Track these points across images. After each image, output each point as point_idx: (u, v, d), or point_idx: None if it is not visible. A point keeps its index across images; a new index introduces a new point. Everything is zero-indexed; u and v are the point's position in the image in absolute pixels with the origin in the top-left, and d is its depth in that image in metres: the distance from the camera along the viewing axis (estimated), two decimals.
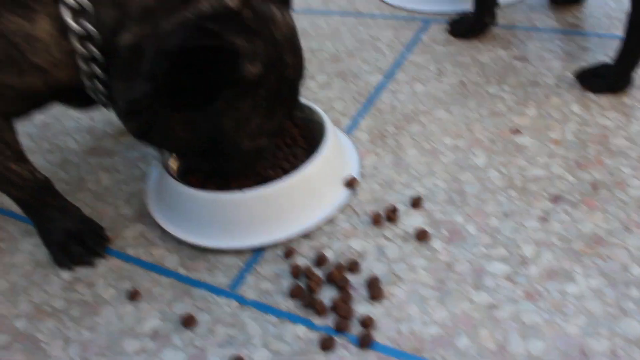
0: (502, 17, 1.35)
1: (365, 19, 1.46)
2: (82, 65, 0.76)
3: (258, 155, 0.87)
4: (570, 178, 0.92)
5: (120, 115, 0.82)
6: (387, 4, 1.51)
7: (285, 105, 0.82)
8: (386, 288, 0.80)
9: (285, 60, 0.78)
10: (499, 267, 0.80)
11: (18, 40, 0.72)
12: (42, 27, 0.72)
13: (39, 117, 1.28)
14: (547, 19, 1.33)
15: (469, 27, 1.30)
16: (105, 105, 0.85)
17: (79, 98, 0.88)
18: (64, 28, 0.73)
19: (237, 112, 0.77)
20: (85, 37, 0.74)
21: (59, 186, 0.94)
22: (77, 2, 0.71)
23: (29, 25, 0.72)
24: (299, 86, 0.84)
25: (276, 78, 0.77)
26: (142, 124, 0.81)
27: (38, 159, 1.14)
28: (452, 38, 1.32)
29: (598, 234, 0.83)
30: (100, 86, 0.80)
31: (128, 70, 0.76)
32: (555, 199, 0.89)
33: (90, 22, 0.73)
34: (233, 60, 0.71)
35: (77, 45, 0.74)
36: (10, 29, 0.71)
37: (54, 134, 1.22)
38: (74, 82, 0.79)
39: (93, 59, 0.76)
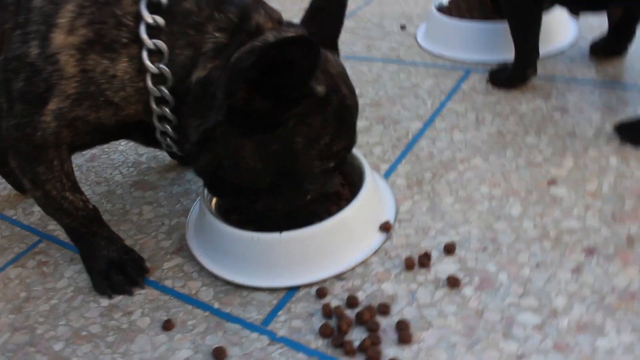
0: (542, 68, 1.37)
1: (407, 66, 1.50)
2: (154, 106, 0.81)
3: (325, 182, 0.89)
4: (606, 231, 0.92)
5: (191, 154, 0.86)
6: (428, 52, 1.54)
7: (348, 132, 0.85)
8: (416, 332, 0.80)
9: (342, 90, 0.82)
10: (530, 318, 0.80)
11: (98, 77, 0.78)
12: (122, 67, 0.78)
13: (88, 150, 1.33)
14: (587, 71, 1.34)
15: (509, 77, 1.32)
16: (169, 149, 0.89)
17: (143, 136, 0.93)
18: (140, 68, 0.79)
19: (309, 128, 0.79)
20: (158, 78, 0.79)
21: (104, 217, 0.98)
22: (155, 44, 0.77)
23: (111, 65, 0.78)
24: (356, 117, 0.87)
25: (339, 102, 0.81)
26: (213, 158, 0.83)
27: (85, 190, 1.19)
28: (491, 88, 1.34)
29: (632, 289, 0.82)
30: (169, 129, 0.84)
31: (199, 106, 0.80)
32: (590, 251, 0.89)
33: (164, 64, 0.78)
34: (306, 73, 0.73)
35: (150, 85, 0.79)
36: (94, 67, 0.78)
37: (101, 166, 1.27)
38: (141, 119, 0.84)
39: (164, 101, 0.81)
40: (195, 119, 0.81)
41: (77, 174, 1.24)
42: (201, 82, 0.79)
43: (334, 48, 0.88)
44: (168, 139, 0.86)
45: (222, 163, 0.83)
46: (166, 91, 0.80)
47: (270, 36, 0.78)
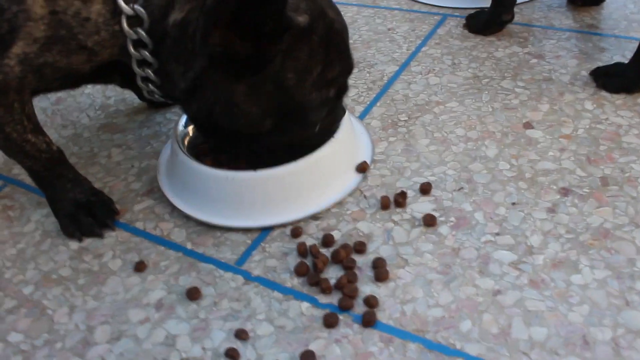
0: (519, 14, 1.35)
1: (382, 10, 1.47)
2: (131, 50, 0.77)
3: (329, 109, 0.86)
4: (580, 172, 0.92)
5: (181, 101, 0.83)
6: None
7: (342, 56, 0.82)
8: (392, 270, 0.80)
9: (329, 15, 0.79)
10: (505, 255, 0.80)
11: (70, 20, 0.73)
12: (95, 9, 0.73)
13: (53, 93, 1.29)
14: (564, 19, 1.33)
15: (486, 23, 1.30)
16: (150, 95, 0.86)
17: (121, 79, 0.89)
18: (115, 10, 0.74)
19: (297, 62, 0.76)
20: (134, 20, 0.75)
21: (71, 160, 0.95)
22: None
23: (84, 6, 0.73)
24: (348, 41, 0.84)
25: (325, 28, 0.78)
26: (206, 105, 0.80)
27: (51, 133, 1.15)
28: (468, 33, 1.32)
29: (606, 227, 0.83)
30: (150, 73, 0.81)
31: (181, 50, 0.76)
32: (565, 192, 0.89)
33: (141, 5, 0.74)
34: (279, 5, 0.70)
35: (126, 27, 0.75)
36: (65, 9, 0.72)
37: (67, 109, 1.23)
38: (115, 59, 0.80)
39: (142, 44, 0.77)
40: (179, 65, 0.78)
41: (42, 117, 1.20)
42: (178, 24, 0.75)
43: None
44: (150, 85, 0.83)
45: (215, 110, 0.80)
46: (143, 33, 0.76)
47: None
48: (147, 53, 0.78)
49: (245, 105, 0.78)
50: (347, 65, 0.84)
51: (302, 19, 0.75)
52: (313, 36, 0.76)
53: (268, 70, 0.75)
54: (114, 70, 0.85)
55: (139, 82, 0.83)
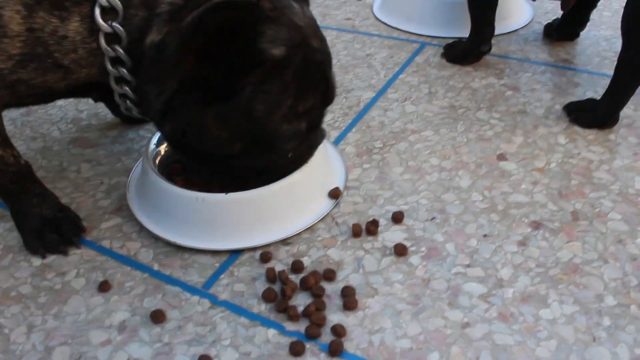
0: (496, 46, 1.37)
1: (361, 36, 1.47)
2: (109, 67, 0.77)
3: (300, 142, 0.84)
4: (552, 206, 0.92)
5: (155, 121, 0.82)
6: (384, 24, 1.52)
7: (318, 88, 0.81)
8: (361, 299, 0.79)
9: (311, 44, 0.78)
10: (475, 287, 0.80)
11: (47, 37, 0.72)
12: (73, 27, 0.73)
13: None
14: (540, 52, 1.35)
15: (464, 53, 1.32)
16: (128, 112, 0.85)
17: (99, 96, 0.87)
18: (93, 28, 0.73)
19: (267, 95, 0.75)
20: (113, 38, 0.74)
21: (39, 174, 0.93)
22: (109, 2, 0.72)
23: (61, 24, 0.72)
24: (330, 70, 0.83)
25: (302, 59, 0.76)
26: (177, 126, 0.80)
27: (19, 145, 1.12)
28: (446, 62, 1.33)
29: (575, 262, 0.83)
30: (128, 91, 0.80)
31: (156, 71, 0.75)
32: (536, 225, 0.89)
33: (119, 23, 0.73)
34: (252, 36, 0.70)
35: (104, 44, 0.74)
36: (42, 27, 0.71)
37: (37, 121, 1.21)
38: (91, 80, 0.79)
39: (120, 62, 0.76)
40: (154, 86, 0.77)
41: (10, 127, 1.18)
42: (156, 46, 0.74)
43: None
44: (128, 102, 0.82)
45: (187, 131, 0.79)
46: (121, 51, 0.75)
47: None
48: (124, 70, 0.77)
49: (215, 129, 0.78)
50: (323, 97, 0.83)
51: (277, 51, 0.73)
52: (286, 70, 0.75)
53: (238, 99, 0.75)
54: (91, 89, 0.83)
55: (117, 99, 0.82)
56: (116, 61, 0.77)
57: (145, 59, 0.76)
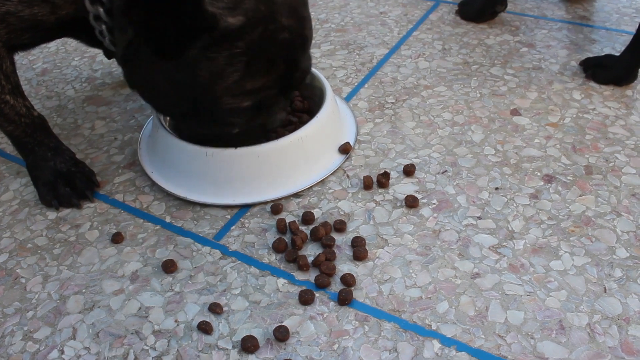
0: (512, 3, 1.34)
1: None
2: (88, 5, 0.77)
3: (243, 119, 0.82)
4: (565, 160, 0.91)
5: (119, 62, 0.83)
6: None
7: (276, 69, 0.78)
8: (371, 250, 0.79)
9: (280, 22, 0.75)
10: (486, 239, 0.80)
11: None
12: None
13: (39, 64, 1.27)
14: (557, 10, 1.32)
15: (479, 11, 1.29)
16: (108, 50, 0.85)
17: (87, 36, 0.87)
18: None
19: (212, 63, 0.73)
20: None
21: (54, 131, 0.93)
22: None
23: None
24: (300, 53, 0.80)
25: (262, 36, 0.74)
26: (132, 72, 0.80)
27: (35, 104, 1.13)
28: (460, 20, 1.31)
29: (588, 215, 0.82)
30: (105, 30, 0.80)
31: (123, 17, 0.75)
32: (549, 178, 0.88)
33: None
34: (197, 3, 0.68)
35: None
36: None
37: (53, 81, 1.21)
38: (79, 18, 0.79)
39: (98, 1, 0.76)
40: (119, 31, 0.77)
41: (26, 87, 1.18)
42: None
43: None
44: (107, 39, 0.81)
45: (141, 83, 0.81)
46: None
47: None
48: (101, 10, 0.77)
49: (162, 85, 0.77)
50: (283, 80, 0.80)
51: (233, 20, 0.71)
52: (238, 42, 0.73)
53: (183, 59, 0.73)
54: (81, 27, 0.83)
55: (97, 34, 0.82)
56: (95, 0, 0.77)
57: (116, 2, 0.76)
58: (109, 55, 1.10)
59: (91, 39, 0.86)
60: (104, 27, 0.79)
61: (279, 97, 0.82)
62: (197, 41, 0.71)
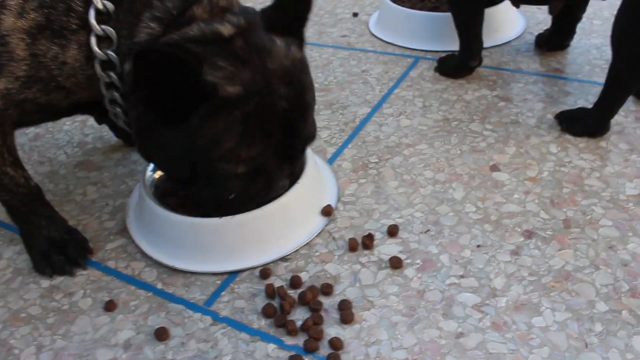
0: (488, 57, 1.39)
1: (357, 52, 1.50)
2: (104, 91, 0.82)
3: (239, 185, 0.84)
4: (544, 215, 0.95)
5: (133, 139, 0.86)
6: (379, 40, 1.55)
7: (271, 137, 0.81)
8: (357, 312, 0.81)
9: (276, 91, 0.78)
10: (469, 297, 0.82)
11: (49, 63, 0.77)
12: (71, 54, 0.77)
13: (32, 129, 1.30)
14: (531, 63, 1.37)
15: (456, 67, 1.34)
16: (123, 130, 0.90)
17: (99, 114, 0.92)
18: (89, 55, 0.78)
19: (209, 130, 0.77)
20: (107, 64, 0.79)
21: (47, 197, 0.96)
22: (103, 31, 0.77)
23: (61, 51, 0.77)
24: (299, 121, 0.83)
25: (258, 106, 0.77)
26: (144, 145, 0.85)
27: (28, 170, 1.14)
28: (439, 76, 1.36)
29: (567, 269, 0.85)
30: (120, 112, 0.85)
31: (132, 95, 0.80)
32: (528, 234, 0.91)
33: (113, 51, 0.78)
34: (197, 71, 0.72)
35: (99, 71, 0.79)
36: (45, 53, 0.76)
37: (45, 146, 1.24)
38: (93, 100, 0.84)
39: (114, 86, 0.81)
40: (132, 108, 0.82)
41: (19, 153, 1.19)
42: (129, 73, 0.79)
43: (298, 36, 0.84)
44: (121, 121, 0.86)
45: (152, 153, 0.85)
46: (115, 77, 0.80)
47: (194, 29, 0.76)
48: (117, 95, 0.82)
49: (168, 150, 0.81)
50: (281, 147, 0.83)
51: (231, 89, 0.75)
52: (235, 111, 0.76)
53: (185, 126, 0.77)
54: (93, 107, 0.87)
55: (112, 117, 0.87)
56: (110, 85, 0.81)
57: (127, 84, 0.80)
58: (99, 120, 1.14)
59: (100, 117, 0.91)
60: (118, 109, 0.84)
61: (280, 163, 0.85)
62: (199, 109, 0.76)
